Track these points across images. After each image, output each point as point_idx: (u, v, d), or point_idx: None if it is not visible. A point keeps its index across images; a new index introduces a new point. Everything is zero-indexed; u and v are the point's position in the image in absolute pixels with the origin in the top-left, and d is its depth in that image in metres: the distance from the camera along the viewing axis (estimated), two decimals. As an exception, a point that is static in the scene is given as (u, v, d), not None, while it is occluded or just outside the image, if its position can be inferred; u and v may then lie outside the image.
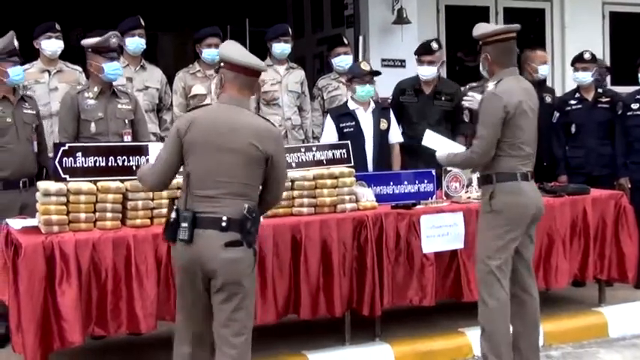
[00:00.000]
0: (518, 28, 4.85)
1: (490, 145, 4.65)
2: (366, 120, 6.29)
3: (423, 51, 6.74)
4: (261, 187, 4.04)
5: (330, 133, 6.27)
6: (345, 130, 6.22)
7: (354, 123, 6.26)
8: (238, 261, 3.88)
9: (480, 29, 4.82)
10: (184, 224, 3.84)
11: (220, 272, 3.85)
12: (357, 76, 6.31)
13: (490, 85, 4.75)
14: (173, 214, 3.91)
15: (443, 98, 6.70)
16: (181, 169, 4.05)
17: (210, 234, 3.84)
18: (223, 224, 3.84)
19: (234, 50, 4.08)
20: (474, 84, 6.57)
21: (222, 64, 4.06)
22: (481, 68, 4.83)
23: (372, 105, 6.36)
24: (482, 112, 4.69)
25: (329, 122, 6.35)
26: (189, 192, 3.91)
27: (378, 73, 6.47)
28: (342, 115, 6.31)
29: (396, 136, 6.43)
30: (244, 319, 3.95)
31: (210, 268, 3.85)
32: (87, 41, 5.72)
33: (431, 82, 6.76)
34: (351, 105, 6.34)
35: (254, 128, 3.96)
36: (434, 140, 5.26)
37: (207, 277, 3.89)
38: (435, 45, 6.75)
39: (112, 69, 5.65)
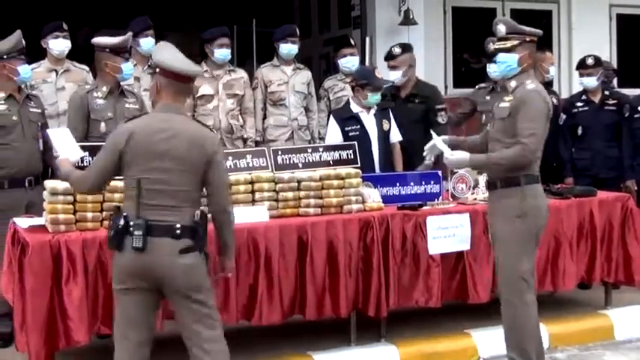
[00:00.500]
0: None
1: (541, 142, 4.63)
2: (370, 122, 6.27)
3: (387, 56, 6.80)
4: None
5: (334, 136, 6.24)
6: (350, 134, 6.19)
7: (359, 126, 6.24)
8: (194, 266, 3.94)
9: (521, 25, 4.74)
10: (138, 232, 3.85)
11: (176, 279, 3.90)
12: (373, 85, 6.23)
13: (529, 83, 4.67)
14: (121, 222, 3.88)
15: (417, 101, 6.70)
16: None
17: (165, 242, 3.87)
18: (177, 232, 3.88)
19: (168, 55, 4.10)
20: (483, 85, 6.57)
21: (157, 69, 4.10)
22: (516, 64, 4.67)
23: (374, 107, 6.35)
24: (529, 108, 4.57)
25: (333, 125, 6.31)
26: (140, 201, 3.91)
27: (391, 83, 6.48)
28: (347, 119, 6.28)
29: (396, 135, 6.42)
30: (214, 315, 4.04)
31: (164, 275, 3.88)
32: (104, 41, 5.70)
33: (406, 86, 6.75)
34: (355, 108, 6.31)
35: (192, 133, 3.99)
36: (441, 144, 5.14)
37: (158, 284, 3.91)
38: (396, 50, 6.77)
39: (128, 69, 5.72)
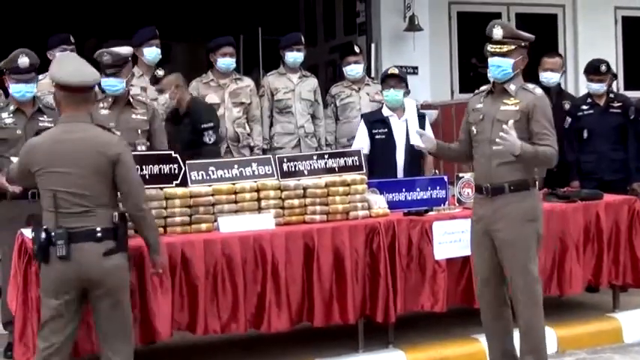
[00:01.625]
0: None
1: None
2: (398, 127, 6.25)
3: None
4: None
5: (362, 138, 6.26)
6: (376, 137, 6.21)
7: (386, 130, 6.23)
8: (118, 267, 4.09)
9: (519, 31, 4.76)
10: (60, 241, 3.95)
11: (104, 281, 4.03)
12: (382, 80, 6.32)
13: (534, 88, 4.72)
14: (42, 234, 3.98)
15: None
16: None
17: (88, 246, 3.99)
18: (98, 235, 4.01)
19: (59, 69, 4.23)
20: (484, 87, 6.56)
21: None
22: (511, 69, 4.66)
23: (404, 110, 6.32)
24: (547, 112, 4.65)
25: (362, 127, 6.33)
26: (57, 211, 4.00)
27: (396, 76, 6.36)
28: (376, 121, 6.29)
29: (412, 140, 6.36)
30: (129, 315, 4.21)
31: (93, 278, 4.00)
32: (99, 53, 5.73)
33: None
34: (385, 112, 6.31)
35: (93, 139, 4.10)
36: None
37: (84, 289, 4.04)
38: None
39: (105, 84, 5.59)
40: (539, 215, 4.72)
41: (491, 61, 4.70)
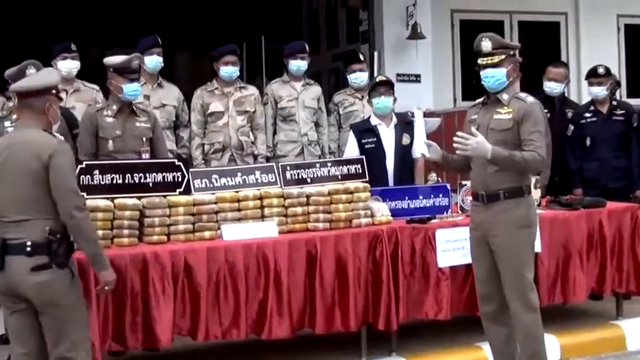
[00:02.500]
0: None
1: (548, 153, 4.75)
2: (387, 135, 6.27)
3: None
4: None
5: (351, 149, 6.27)
6: (366, 146, 6.21)
7: (375, 139, 6.24)
8: (49, 284, 3.91)
9: (505, 40, 4.82)
10: None
11: (33, 296, 3.91)
12: (371, 88, 6.34)
13: (527, 96, 4.76)
14: None
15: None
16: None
17: (18, 260, 3.89)
18: (28, 249, 3.88)
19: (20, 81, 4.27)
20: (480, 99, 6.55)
21: None
22: (505, 78, 4.71)
23: (395, 120, 6.33)
24: (537, 120, 4.67)
25: (351, 138, 6.35)
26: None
27: (387, 83, 6.39)
28: (364, 131, 6.30)
29: (419, 150, 6.37)
30: (75, 335, 4.01)
31: (21, 293, 3.92)
32: (109, 60, 5.74)
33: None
34: (373, 120, 6.33)
35: (27, 143, 3.98)
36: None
37: (24, 300, 3.96)
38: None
39: (131, 90, 5.68)
40: (533, 221, 4.77)
41: (484, 73, 4.76)
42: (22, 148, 3.96)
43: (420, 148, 6.13)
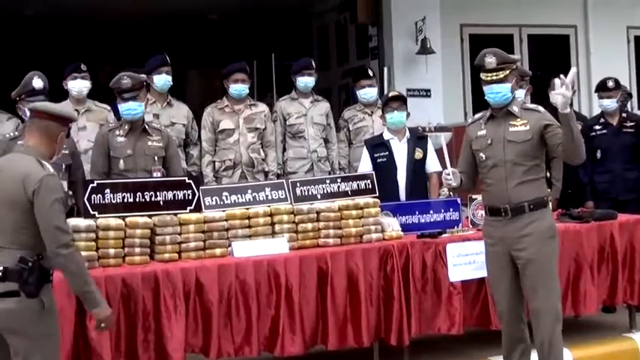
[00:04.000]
0: None
1: None
2: (399, 150, 6.30)
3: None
4: None
5: (365, 164, 6.32)
6: (378, 160, 6.26)
7: (387, 153, 6.28)
8: (15, 312, 3.79)
9: (507, 54, 4.83)
10: None
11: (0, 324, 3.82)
12: (384, 103, 6.38)
13: (537, 106, 4.82)
14: None
15: None
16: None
17: None
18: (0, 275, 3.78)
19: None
20: (478, 115, 6.54)
21: None
22: (510, 92, 4.76)
23: (408, 134, 6.37)
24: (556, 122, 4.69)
25: (365, 153, 6.41)
26: None
27: (399, 98, 6.45)
28: (377, 145, 6.36)
29: (433, 165, 6.37)
30: None
31: None
32: (111, 83, 5.81)
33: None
34: (386, 135, 6.37)
35: (16, 171, 3.87)
36: None
37: None
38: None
39: (125, 109, 5.72)
40: (556, 232, 4.81)
41: (489, 88, 4.78)
42: (10, 177, 3.87)
43: (434, 166, 6.20)
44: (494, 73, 4.72)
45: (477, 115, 5.01)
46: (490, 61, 4.73)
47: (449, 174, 4.94)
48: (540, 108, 4.81)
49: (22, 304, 3.81)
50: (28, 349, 3.83)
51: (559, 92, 4.47)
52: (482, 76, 4.80)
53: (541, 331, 4.71)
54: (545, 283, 4.68)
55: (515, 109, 4.77)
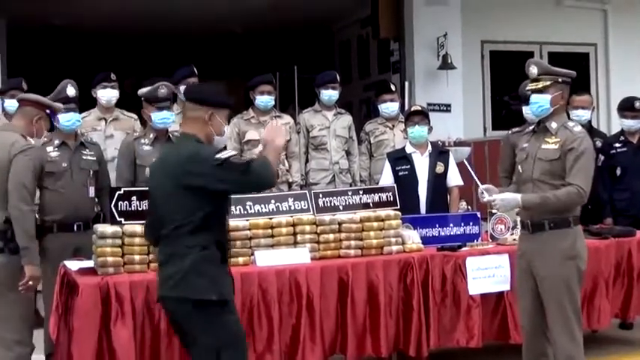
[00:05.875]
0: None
1: (590, 184, 4.64)
2: (421, 163, 6.31)
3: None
4: None
5: (387, 177, 6.33)
6: (400, 174, 6.26)
7: (409, 166, 6.29)
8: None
9: (562, 69, 4.75)
10: None
11: None
12: (406, 117, 6.40)
13: (574, 125, 4.68)
14: None
15: None
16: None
17: None
18: None
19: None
20: (517, 129, 6.53)
21: None
22: (549, 104, 4.63)
23: (430, 149, 6.38)
24: (582, 151, 4.58)
25: (387, 166, 6.42)
26: None
27: (421, 112, 6.44)
28: (399, 159, 6.37)
29: (454, 179, 6.37)
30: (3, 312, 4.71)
31: None
32: (141, 90, 5.85)
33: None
34: (408, 149, 6.39)
35: (8, 143, 4.72)
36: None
37: None
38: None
39: (159, 118, 5.77)
40: (580, 252, 4.66)
41: (531, 99, 4.74)
42: (1, 146, 4.71)
43: (455, 180, 6.20)
44: (535, 83, 4.67)
45: (529, 127, 4.96)
46: (532, 70, 4.69)
47: (482, 192, 4.90)
48: (577, 128, 4.65)
49: (5, 260, 4.65)
50: (12, 299, 4.64)
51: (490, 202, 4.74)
52: (527, 86, 4.78)
53: (557, 351, 4.67)
54: (558, 303, 4.61)
55: (553, 125, 4.66)
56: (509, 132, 6.65)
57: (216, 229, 3.97)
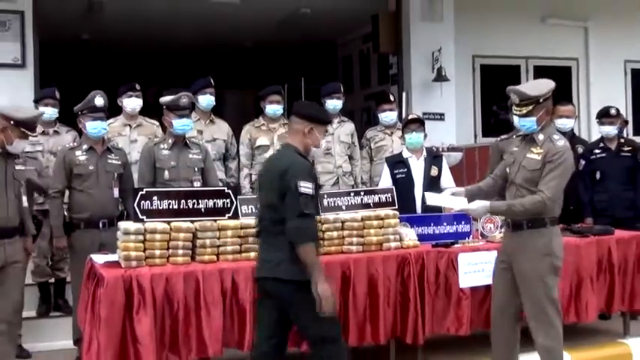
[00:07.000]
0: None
1: (560, 193, 4.66)
2: (417, 167, 6.30)
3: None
4: None
5: (386, 179, 6.32)
6: (397, 177, 6.25)
7: (405, 170, 6.28)
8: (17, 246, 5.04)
9: (544, 86, 4.72)
10: None
11: None
12: (404, 125, 6.40)
13: (558, 139, 4.67)
14: None
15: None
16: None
17: None
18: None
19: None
20: (505, 136, 6.54)
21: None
22: (535, 125, 4.66)
23: (425, 154, 6.37)
24: (563, 162, 4.59)
25: (385, 169, 6.41)
26: None
27: (418, 120, 6.44)
28: (396, 163, 6.36)
29: (447, 181, 6.35)
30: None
31: None
32: (163, 99, 5.86)
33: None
34: (405, 154, 6.38)
35: None
36: (437, 198, 5.05)
37: None
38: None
39: (180, 125, 5.78)
40: (554, 250, 4.67)
41: (520, 122, 4.73)
42: None
43: (448, 182, 6.21)
44: (518, 109, 4.67)
45: (507, 135, 4.97)
46: (513, 98, 4.70)
47: (454, 194, 4.94)
48: (560, 142, 4.65)
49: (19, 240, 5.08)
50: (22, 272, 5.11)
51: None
52: (512, 109, 4.78)
53: (537, 344, 4.69)
54: (534, 298, 4.63)
55: (540, 137, 4.67)
56: (498, 139, 6.66)
57: None
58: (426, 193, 5.13)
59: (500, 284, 4.82)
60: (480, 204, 4.71)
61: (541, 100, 4.65)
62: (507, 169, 4.85)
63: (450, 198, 4.90)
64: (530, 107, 4.63)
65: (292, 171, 4.14)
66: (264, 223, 4.30)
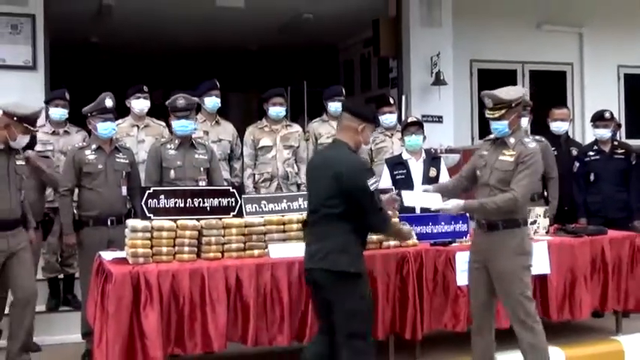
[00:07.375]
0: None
1: (530, 193, 4.71)
2: (416, 168, 6.29)
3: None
4: None
5: (386, 180, 6.31)
6: (397, 177, 6.25)
7: (405, 171, 6.27)
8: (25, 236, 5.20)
9: (516, 92, 4.78)
10: None
11: None
12: (404, 127, 6.40)
13: (530, 142, 4.73)
14: None
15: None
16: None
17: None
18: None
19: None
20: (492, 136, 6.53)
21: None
22: (507, 128, 4.70)
23: (424, 155, 6.37)
24: (534, 163, 4.63)
25: (385, 170, 6.40)
26: None
27: (417, 123, 6.43)
28: (396, 164, 6.36)
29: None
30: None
31: None
32: (168, 101, 5.85)
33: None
34: (405, 155, 6.38)
35: None
36: (413, 198, 5.11)
37: None
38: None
39: (178, 125, 5.76)
40: (527, 250, 4.73)
41: (491, 123, 4.79)
42: None
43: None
44: (492, 112, 4.72)
45: (490, 136, 4.99)
46: (487, 102, 4.75)
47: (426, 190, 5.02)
48: (531, 145, 4.71)
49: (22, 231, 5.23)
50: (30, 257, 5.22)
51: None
52: (486, 113, 4.81)
53: (518, 337, 4.70)
54: (511, 295, 4.65)
55: (511, 140, 4.72)
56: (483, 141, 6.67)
57: (354, 219, 4.30)
58: (403, 192, 5.12)
59: (479, 284, 4.83)
60: (454, 203, 4.72)
61: (513, 105, 4.70)
62: (478, 172, 4.87)
63: (425, 196, 4.94)
64: (503, 111, 4.68)
65: (355, 173, 4.26)
66: (316, 216, 4.37)
